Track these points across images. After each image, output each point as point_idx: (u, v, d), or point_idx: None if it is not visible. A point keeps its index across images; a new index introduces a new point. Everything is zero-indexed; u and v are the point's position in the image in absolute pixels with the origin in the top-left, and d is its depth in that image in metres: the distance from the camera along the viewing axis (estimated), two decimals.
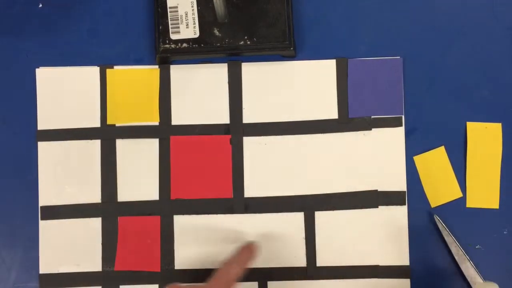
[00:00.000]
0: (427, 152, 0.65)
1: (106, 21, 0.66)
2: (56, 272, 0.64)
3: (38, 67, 0.66)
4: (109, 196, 0.65)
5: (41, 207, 0.65)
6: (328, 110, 0.65)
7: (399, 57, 0.65)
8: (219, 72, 0.66)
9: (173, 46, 0.64)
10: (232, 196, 0.65)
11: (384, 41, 0.66)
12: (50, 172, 0.65)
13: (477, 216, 0.64)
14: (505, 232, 0.64)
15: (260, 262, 0.64)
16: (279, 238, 0.64)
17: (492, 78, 0.65)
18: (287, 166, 0.65)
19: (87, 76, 0.66)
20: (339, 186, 0.64)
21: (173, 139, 0.65)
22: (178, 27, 0.64)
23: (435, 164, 0.65)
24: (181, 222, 0.65)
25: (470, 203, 0.64)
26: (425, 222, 0.64)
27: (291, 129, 0.65)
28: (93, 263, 0.65)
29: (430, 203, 0.64)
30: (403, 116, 0.65)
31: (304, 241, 0.64)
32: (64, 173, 0.65)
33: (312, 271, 0.64)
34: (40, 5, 0.67)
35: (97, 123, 0.65)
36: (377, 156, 0.65)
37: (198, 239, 0.64)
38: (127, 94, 0.66)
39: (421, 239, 0.64)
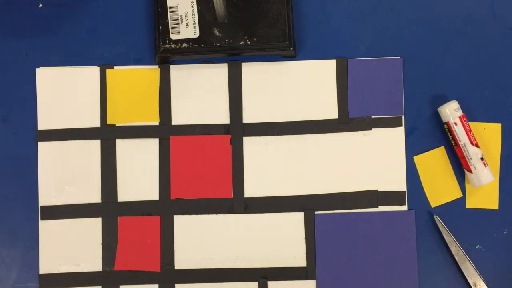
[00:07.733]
0: (427, 152, 0.65)
1: (106, 21, 0.66)
2: (56, 272, 0.64)
3: (38, 67, 0.66)
4: (109, 196, 0.65)
5: (41, 207, 0.65)
6: (328, 110, 0.65)
7: (399, 57, 0.65)
8: (219, 72, 0.66)
9: (173, 46, 0.64)
10: (232, 196, 0.65)
11: (384, 41, 0.66)
12: (50, 172, 0.65)
13: (477, 216, 0.64)
14: (505, 232, 0.64)
15: (260, 262, 0.64)
16: (279, 238, 0.64)
17: (492, 78, 0.65)
18: (287, 166, 0.65)
19: (87, 76, 0.66)
20: (339, 186, 0.64)
21: (173, 139, 0.65)
22: (178, 27, 0.64)
23: (435, 164, 0.64)
24: (181, 222, 0.65)
25: (470, 203, 0.64)
26: (425, 222, 0.64)
27: (291, 129, 0.65)
28: (93, 263, 0.65)
29: (430, 203, 0.64)
30: (403, 116, 0.65)
31: (304, 241, 0.64)
32: (64, 173, 0.65)
33: (312, 271, 0.64)
34: (40, 5, 0.67)
35: (97, 123, 0.65)
36: (377, 156, 0.65)
37: (198, 239, 0.64)
38: (127, 94, 0.65)
39: (421, 239, 0.64)
